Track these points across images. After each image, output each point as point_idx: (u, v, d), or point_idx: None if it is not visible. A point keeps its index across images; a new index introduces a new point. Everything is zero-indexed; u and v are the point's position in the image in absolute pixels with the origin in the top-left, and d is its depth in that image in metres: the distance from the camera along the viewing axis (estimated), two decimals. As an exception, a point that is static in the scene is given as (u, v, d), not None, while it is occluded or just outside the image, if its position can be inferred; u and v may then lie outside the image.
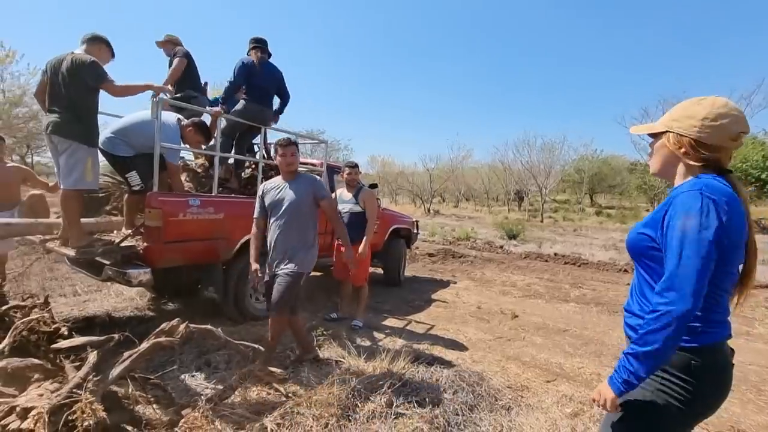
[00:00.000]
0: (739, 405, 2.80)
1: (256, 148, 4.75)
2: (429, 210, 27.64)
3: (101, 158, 3.46)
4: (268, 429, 2.01)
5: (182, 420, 2.01)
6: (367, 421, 2.15)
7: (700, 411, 1.15)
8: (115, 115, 3.67)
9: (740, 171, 17.88)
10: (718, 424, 2.51)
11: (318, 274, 5.50)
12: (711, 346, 1.10)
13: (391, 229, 5.67)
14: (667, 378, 1.11)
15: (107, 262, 3.05)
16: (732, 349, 1.19)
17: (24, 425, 1.50)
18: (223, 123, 3.94)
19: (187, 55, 4.15)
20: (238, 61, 3.92)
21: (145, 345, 2.02)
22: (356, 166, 4.01)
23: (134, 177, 3.24)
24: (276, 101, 4.31)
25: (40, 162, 22.56)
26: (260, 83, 4.00)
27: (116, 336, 2.08)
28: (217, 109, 3.72)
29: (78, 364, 1.98)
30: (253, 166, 4.27)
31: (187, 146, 3.64)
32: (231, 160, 4.47)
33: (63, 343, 2.06)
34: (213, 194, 3.51)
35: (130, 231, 3.23)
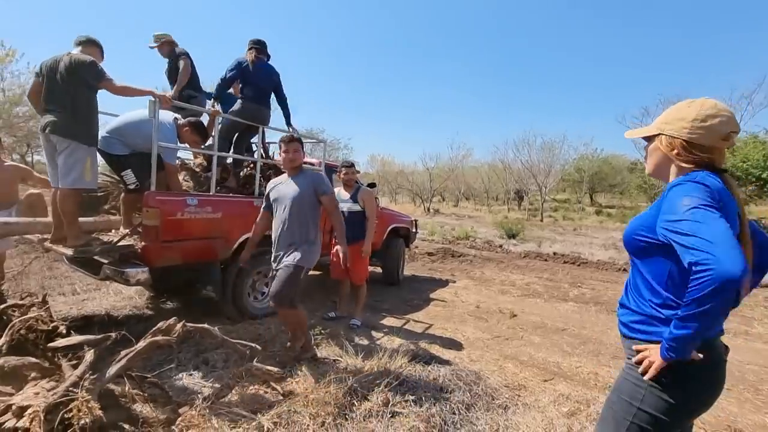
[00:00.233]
0: (737, 404, 2.80)
1: (254, 147, 4.75)
2: (429, 209, 27.63)
3: (100, 158, 3.47)
4: (265, 427, 2.01)
5: (179, 418, 2.02)
6: (364, 420, 2.15)
7: (694, 408, 1.16)
8: (112, 114, 3.66)
9: (741, 170, 17.84)
10: (715, 423, 2.51)
11: (317, 273, 5.50)
12: (704, 342, 1.10)
13: (389, 228, 5.67)
14: (661, 375, 1.11)
15: (105, 261, 3.05)
16: (726, 346, 1.20)
17: (20, 423, 1.50)
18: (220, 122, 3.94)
19: (188, 56, 4.16)
20: (233, 61, 3.97)
21: (142, 344, 2.02)
22: (353, 165, 4.02)
23: (130, 175, 3.25)
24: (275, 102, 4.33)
25: (40, 161, 22.56)
26: (255, 82, 4.02)
27: (113, 335, 2.09)
28: (216, 109, 3.73)
29: (75, 362, 1.99)
30: (252, 165, 4.27)
31: (186, 146, 3.65)
32: (229, 160, 4.48)
33: (60, 342, 2.07)
34: (211, 193, 3.51)
35: (127, 230, 3.23)
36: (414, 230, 6.48)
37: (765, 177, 17.44)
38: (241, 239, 3.59)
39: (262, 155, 4.24)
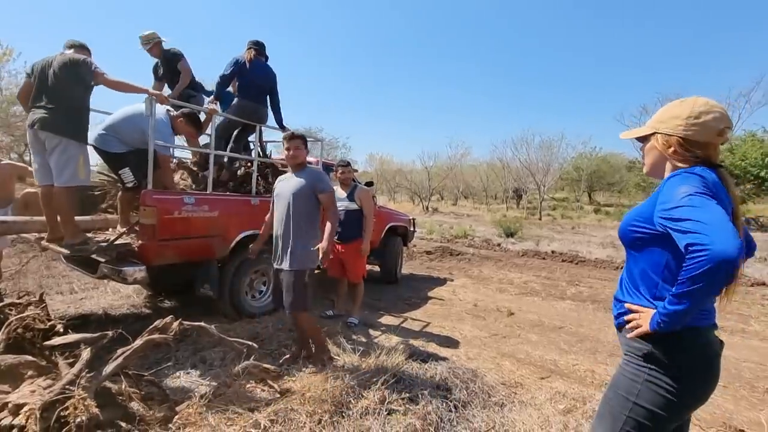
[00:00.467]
0: (732, 401, 2.81)
1: (252, 146, 4.75)
2: (427, 208, 27.64)
3: (97, 157, 3.46)
4: (262, 425, 2.02)
5: (176, 416, 2.02)
6: (361, 418, 2.16)
7: (690, 402, 1.16)
8: (105, 112, 3.65)
9: (739, 168, 17.90)
10: (711, 420, 2.52)
11: (315, 271, 5.50)
12: (695, 330, 1.12)
13: (387, 226, 5.68)
14: (655, 369, 1.13)
15: (103, 260, 3.06)
16: (721, 341, 1.21)
17: (16, 421, 1.50)
18: (218, 121, 3.94)
19: (183, 56, 4.16)
20: (231, 59, 3.98)
21: (138, 342, 2.03)
22: (349, 164, 4.02)
23: (127, 174, 3.25)
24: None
25: (38, 160, 22.50)
26: (252, 81, 4.03)
27: (110, 333, 2.09)
28: (213, 106, 3.73)
29: (71, 361, 1.99)
30: (249, 164, 4.27)
31: (185, 145, 3.65)
32: (226, 159, 4.48)
33: (56, 340, 2.07)
34: (208, 192, 3.51)
35: (125, 229, 3.23)
36: (412, 229, 6.49)
37: (763, 175, 17.50)
38: (238, 238, 3.59)
39: (259, 154, 4.23)
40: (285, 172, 4.37)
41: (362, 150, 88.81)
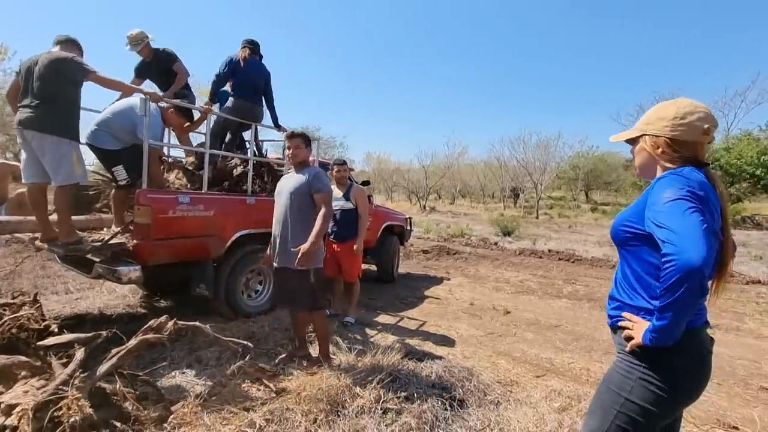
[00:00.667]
0: (726, 398, 2.83)
1: (247, 145, 4.74)
2: (425, 207, 27.65)
3: (92, 156, 3.45)
4: (257, 424, 2.02)
5: (171, 416, 2.02)
6: (356, 417, 2.16)
7: (681, 399, 1.18)
8: (95, 110, 3.62)
9: (735, 167, 18.01)
10: (704, 417, 2.54)
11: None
12: (691, 331, 1.13)
13: (384, 225, 5.68)
14: (649, 367, 1.14)
15: (97, 260, 3.04)
16: (712, 338, 1.23)
17: (8, 422, 1.50)
18: (213, 120, 3.93)
19: (179, 57, 4.12)
20: (225, 57, 3.98)
21: (133, 342, 2.02)
22: (344, 163, 4.02)
23: (120, 171, 3.23)
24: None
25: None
26: (246, 80, 4.03)
27: (104, 333, 2.08)
28: (208, 106, 3.72)
29: (65, 361, 1.98)
30: (245, 163, 4.26)
31: (178, 144, 3.63)
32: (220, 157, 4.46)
33: (50, 340, 2.06)
34: (203, 191, 3.50)
35: (119, 228, 3.22)
36: (408, 228, 6.49)
37: (758, 174, 17.60)
38: (234, 237, 3.58)
39: (255, 153, 4.22)
40: (281, 171, 4.39)
41: (360, 149, 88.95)
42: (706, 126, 1.14)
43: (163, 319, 2.17)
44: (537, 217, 22.09)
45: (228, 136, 4.38)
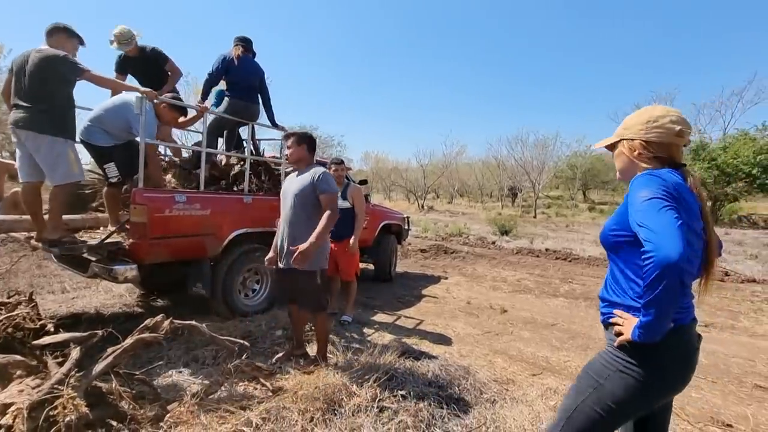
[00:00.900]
0: (721, 396, 2.85)
1: (244, 144, 4.73)
2: (423, 206, 27.67)
3: (89, 155, 3.43)
4: (254, 423, 2.02)
5: (167, 415, 2.02)
6: (353, 415, 2.16)
7: (661, 395, 1.21)
8: (87, 108, 3.60)
9: (731, 166, 18.07)
10: (698, 415, 2.56)
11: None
12: (679, 329, 1.16)
13: (381, 224, 5.69)
14: (631, 361, 1.17)
15: (94, 259, 3.04)
16: (699, 335, 1.25)
17: (3, 421, 1.49)
18: (208, 119, 3.92)
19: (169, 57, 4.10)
20: (218, 56, 3.95)
21: (128, 341, 2.02)
22: (342, 162, 4.02)
23: (112, 168, 3.22)
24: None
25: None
26: (241, 78, 4.01)
27: (100, 332, 2.08)
28: (204, 105, 3.72)
29: (61, 360, 1.98)
30: (242, 162, 4.25)
31: (175, 143, 3.62)
32: (220, 157, 4.46)
33: (45, 339, 2.06)
34: (200, 190, 3.49)
35: (115, 227, 3.21)
36: (406, 227, 6.50)
37: (755, 173, 17.66)
38: (231, 236, 3.58)
39: (251, 152, 4.21)
40: (278, 170, 4.39)
41: (358, 148, 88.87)
42: (678, 128, 1.21)
43: (159, 318, 2.17)
44: (535, 216, 22.14)
45: (225, 135, 4.38)
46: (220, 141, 4.65)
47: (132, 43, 3.83)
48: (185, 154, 4.55)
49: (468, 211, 25.53)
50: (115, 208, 3.37)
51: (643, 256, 1.03)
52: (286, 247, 2.69)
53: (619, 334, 1.19)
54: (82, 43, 3.02)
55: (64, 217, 3.45)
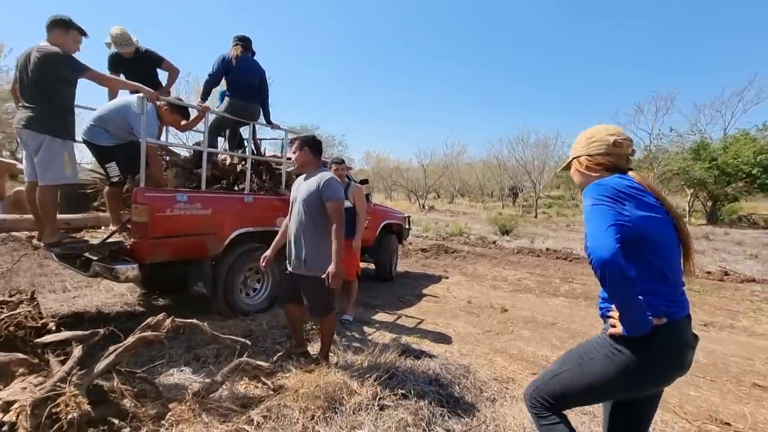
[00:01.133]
0: (719, 395, 2.86)
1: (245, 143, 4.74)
2: (424, 206, 27.68)
3: (90, 155, 3.44)
4: (255, 422, 2.03)
5: (169, 413, 2.02)
6: (353, 413, 2.17)
7: (646, 385, 1.29)
8: (88, 107, 3.61)
9: (731, 166, 18.07)
10: (697, 413, 2.57)
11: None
12: (672, 324, 1.24)
13: (382, 224, 5.70)
14: (616, 347, 1.28)
15: (95, 258, 3.05)
16: (695, 336, 1.30)
17: (6, 418, 1.51)
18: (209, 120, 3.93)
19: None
20: (218, 56, 3.95)
21: (130, 339, 2.03)
22: (343, 162, 4.02)
23: (113, 168, 3.22)
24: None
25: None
26: (241, 78, 4.01)
27: (101, 331, 2.09)
28: (205, 105, 3.73)
29: (63, 358, 1.99)
30: (243, 162, 4.27)
31: (178, 144, 3.63)
32: (222, 156, 4.48)
33: (47, 338, 2.07)
34: (201, 190, 3.51)
35: (117, 227, 3.22)
36: (407, 226, 6.51)
37: (755, 173, 17.66)
38: (232, 235, 3.59)
39: (252, 151, 4.22)
40: (279, 169, 4.40)
41: (359, 148, 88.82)
42: (613, 139, 1.39)
43: (160, 317, 2.18)
44: (535, 216, 22.15)
45: (227, 135, 4.40)
46: (221, 140, 4.66)
47: (130, 45, 3.80)
48: (186, 153, 4.57)
49: (469, 211, 25.54)
50: (116, 207, 3.38)
51: (588, 259, 1.17)
52: (294, 252, 2.68)
53: (613, 326, 1.29)
54: (83, 33, 2.92)
55: (66, 216, 3.47)
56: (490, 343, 3.66)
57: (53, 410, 1.59)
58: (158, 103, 3.41)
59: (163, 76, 4.22)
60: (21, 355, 1.96)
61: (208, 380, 2.46)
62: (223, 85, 4.24)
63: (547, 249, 9.76)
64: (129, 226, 3.14)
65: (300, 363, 2.78)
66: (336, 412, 2.17)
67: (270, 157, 4.76)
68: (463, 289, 5.74)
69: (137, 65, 3.95)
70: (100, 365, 1.89)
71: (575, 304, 5.23)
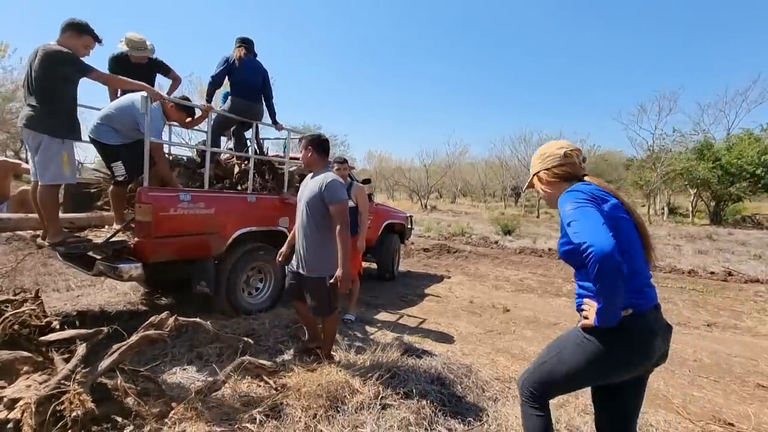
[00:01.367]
0: (723, 395, 2.85)
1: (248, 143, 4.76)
2: (426, 206, 27.66)
3: (94, 154, 3.46)
4: (257, 420, 2.04)
5: (172, 411, 2.03)
6: (355, 412, 2.18)
7: (613, 372, 1.39)
8: (93, 107, 3.62)
9: (735, 166, 17.99)
10: (700, 414, 2.56)
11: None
12: (631, 316, 1.33)
13: (384, 224, 5.70)
14: (586, 336, 1.39)
15: (99, 257, 3.06)
16: (668, 325, 1.43)
17: (11, 415, 1.52)
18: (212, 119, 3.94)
19: None
20: (221, 58, 4.01)
21: (133, 338, 2.04)
22: (345, 161, 4.02)
23: (119, 167, 3.24)
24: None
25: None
26: (243, 78, 4.05)
27: (105, 329, 2.10)
28: (208, 105, 3.74)
29: (67, 356, 2.00)
30: (246, 161, 4.28)
31: (180, 143, 3.63)
32: (224, 155, 4.49)
33: (51, 336, 2.08)
34: (204, 189, 3.52)
35: (120, 226, 3.23)
36: (409, 226, 6.51)
37: (759, 173, 17.57)
38: (235, 235, 3.60)
39: (256, 151, 4.23)
40: (281, 168, 4.41)
41: (361, 147, 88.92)
42: (563, 151, 1.55)
43: (164, 315, 2.19)
44: (538, 216, 22.10)
45: (233, 135, 4.42)
46: (224, 140, 4.67)
47: (144, 51, 3.78)
48: (189, 153, 4.58)
49: (471, 211, 25.51)
50: (120, 206, 3.39)
51: (583, 255, 1.22)
52: (300, 252, 2.69)
53: (586, 318, 1.40)
54: (97, 40, 2.94)
55: (70, 215, 3.49)
56: (493, 342, 3.66)
57: (57, 408, 1.60)
58: (164, 100, 3.43)
59: (165, 82, 4.24)
60: (25, 353, 1.97)
61: (210, 379, 2.47)
62: (226, 86, 4.27)
63: (550, 249, 9.74)
64: (132, 225, 3.16)
65: (302, 362, 2.79)
66: (338, 411, 2.18)
67: (273, 156, 4.77)
68: (465, 289, 5.74)
69: (140, 70, 3.96)
70: (104, 363, 1.90)
71: (578, 304, 5.21)
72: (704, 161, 18.83)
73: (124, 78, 3.10)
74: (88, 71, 2.83)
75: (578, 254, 1.35)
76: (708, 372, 3.20)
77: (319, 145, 2.71)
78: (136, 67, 3.87)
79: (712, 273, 7.47)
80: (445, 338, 3.67)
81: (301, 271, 2.67)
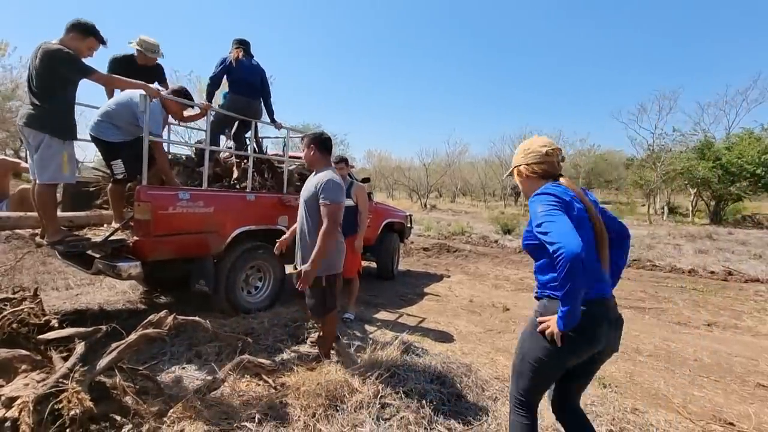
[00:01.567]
0: (723, 395, 2.85)
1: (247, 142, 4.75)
2: (425, 205, 27.66)
3: (94, 152, 3.44)
4: (256, 419, 2.03)
5: (171, 410, 2.03)
6: (354, 411, 2.17)
7: (565, 357, 1.49)
8: (92, 106, 3.60)
9: (735, 166, 17.97)
10: (700, 413, 2.55)
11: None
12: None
13: (384, 223, 5.69)
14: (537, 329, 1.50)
15: (98, 256, 3.05)
16: (620, 315, 1.57)
17: (9, 414, 1.51)
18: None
19: None
20: (219, 59, 4.06)
21: (132, 336, 2.03)
22: (344, 160, 4.02)
23: (119, 165, 3.23)
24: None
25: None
26: (241, 77, 4.09)
27: (104, 327, 2.10)
28: (207, 103, 3.73)
29: (66, 355, 2.00)
30: (245, 160, 4.27)
31: (180, 142, 3.62)
32: (224, 154, 4.48)
33: (50, 334, 2.08)
34: (203, 188, 3.51)
35: (119, 225, 3.23)
36: (409, 225, 6.50)
37: (759, 173, 17.55)
38: (234, 234, 3.59)
39: (254, 149, 4.22)
40: (281, 167, 4.40)
41: (361, 147, 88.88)
42: (545, 149, 1.62)
43: (162, 314, 2.18)
44: (537, 216, 22.02)
45: (233, 134, 4.42)
46: (223, 139, 4.67)
47: (156, 55, 3.78)
48: (188, 151, 4.58)
49: (471, 210, 25.51)
50: (119, 205, 3.38)
51: (554, 256, 1.30)
52: (300, 251, 2.68)
53: (546, 328, 1.47)
54: (102, 42, 2.92)
55: (69, 214, 3.48)
56: (492, 341, 3.65)
57: (56, 406, 1.60)
58: (162, 93, 3.41)
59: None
60: (24, 352, 1.97)
61: (209, 378, 2.47)
62: (225, 87, 4.27)
63: (550, 248, 9.73)
64: (131, 223, 3.15)
65: (301, 361, 2.78)
66: (337, 410, 2.17)
67: (272, 155, 4.76)
68: (464, 288, 5.73)
69: (145, 72, 3.95)
70: (103, 362, 1.90)
71: (577, 303, 5.21)
72: (704, 161, 18.81)
73: (124, 78, 3.09)
74: (88, 72, 2.81)
75: (540, 250, 1.50)
76: (708, 371, 3.20)
77: (321, 143, 2.68)
78: (142, 68, 3.87)
79: (712, 272, 7.47)
80: (444, 337, 3.67)
81: (300, 268, 2.66)
